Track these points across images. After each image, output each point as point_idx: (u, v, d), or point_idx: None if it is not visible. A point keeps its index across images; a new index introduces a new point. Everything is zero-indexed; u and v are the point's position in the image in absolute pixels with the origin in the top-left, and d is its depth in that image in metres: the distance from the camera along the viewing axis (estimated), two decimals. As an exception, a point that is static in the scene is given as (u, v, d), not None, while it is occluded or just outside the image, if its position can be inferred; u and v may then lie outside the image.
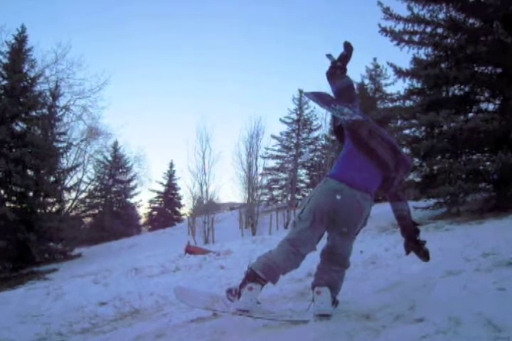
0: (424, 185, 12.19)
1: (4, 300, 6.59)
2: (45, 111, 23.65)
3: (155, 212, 43.57)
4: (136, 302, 5.28)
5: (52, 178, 22.96)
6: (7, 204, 19.84)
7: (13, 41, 21.78)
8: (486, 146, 11.66)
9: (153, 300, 5.31)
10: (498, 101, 12.09)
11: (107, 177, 37.53)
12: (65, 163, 26.93)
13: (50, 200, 22.67)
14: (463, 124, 10.52)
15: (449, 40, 12.12)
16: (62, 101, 27.42)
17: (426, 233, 7.73)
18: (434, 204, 12.09)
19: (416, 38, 12.23)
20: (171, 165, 42.88)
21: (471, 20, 12.18)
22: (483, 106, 12.46)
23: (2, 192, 20.00)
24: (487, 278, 3.22)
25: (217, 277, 6.50)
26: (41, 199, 21.46)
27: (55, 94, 26.10)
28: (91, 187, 35.39)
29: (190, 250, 10.70)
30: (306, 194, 28.32)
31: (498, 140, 10.85)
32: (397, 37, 12.14)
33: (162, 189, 43.06)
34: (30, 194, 20.89)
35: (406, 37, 12.19)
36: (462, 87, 12.35)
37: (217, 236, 22.87)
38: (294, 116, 33.86)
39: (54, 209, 23.17)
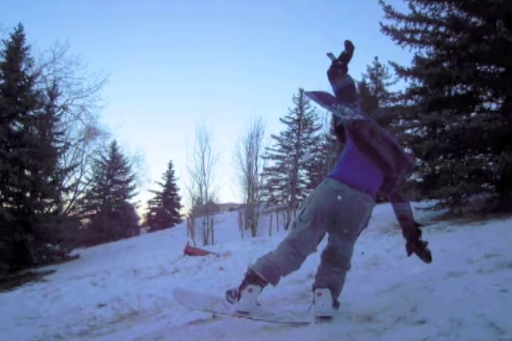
0: (426, 186, 12.20)
1: (1, 302, 6.60)
2: (42, 110, 23.65)
3: (154, 213, 43.52)
4: (135, 304, 5.28)
5: (49, 179, 22.98)
6: (4, 205, 19.88)
7: (11, 40, 21.80)
8: (489, 146, 11.68)
9: (152, 301, 5.32)
10: (500, 101, 12.11)
11: (105, 177, 37.52)
12: (62, 163, 26.92)
13: (48, 201, 22.68)
14: (465, 124, 10.53)
15: (451, 39, 12.15)
16: (60, 101, 27.47)
17: (428, 234, 7.73)
18: (436, 205, 12.10)
19: (418, 37, 12.27)
20: (170, 166, 42.91)
21: (473, 19, 12.20)
22: (486, 105, 12.50)
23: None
24: (489, 279, 3.22)
25: (216, 278, 6.51)
26: (39, 199, 21.43)
27: (53, 94, 26.09)
28: (89, 187, 35.56)
29: (189, 251, 10.69)
30: (307, 194, 28.28)
31: (501, 140, 10.87)
32: (398, 36, 12.16)
33: (161, 189, 43.08)
34: (28, 194, 20.86)
35: (408, 36, 12.22)
36: (464, 86, 12.37)
37: (217, 237, 22.86)
38: (295, 116, 33.94)
39: (51, 210, 23.17)
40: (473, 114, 11.90)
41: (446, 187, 10.89)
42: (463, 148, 11.66)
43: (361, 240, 6.26)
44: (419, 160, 12.30)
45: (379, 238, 9.17)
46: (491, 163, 11.16)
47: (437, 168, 11.69)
